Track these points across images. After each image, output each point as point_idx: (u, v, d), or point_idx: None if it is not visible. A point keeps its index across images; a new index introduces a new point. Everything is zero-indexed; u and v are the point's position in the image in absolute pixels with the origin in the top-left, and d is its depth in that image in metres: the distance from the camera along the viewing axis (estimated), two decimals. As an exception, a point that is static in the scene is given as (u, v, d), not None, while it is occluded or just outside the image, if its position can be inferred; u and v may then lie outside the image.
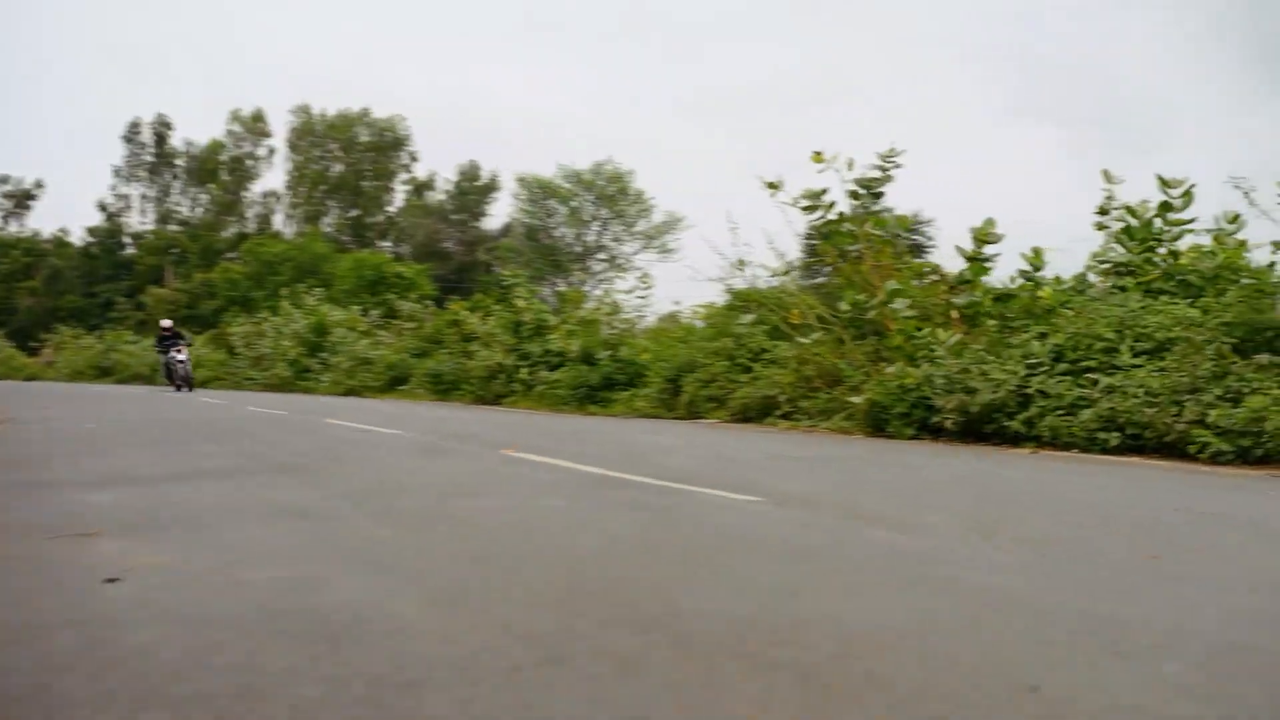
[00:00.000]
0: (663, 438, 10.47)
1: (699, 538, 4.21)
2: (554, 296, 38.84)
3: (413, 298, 32.46)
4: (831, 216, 13.28)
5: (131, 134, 73.03)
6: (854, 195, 13.19)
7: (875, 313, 12.42)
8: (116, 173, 73.05)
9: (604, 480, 6.25)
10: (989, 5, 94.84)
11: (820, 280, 16.57)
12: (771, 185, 13.26)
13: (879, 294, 12.57)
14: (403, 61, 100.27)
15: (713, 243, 16.24)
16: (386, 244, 73.33)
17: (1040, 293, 11.74)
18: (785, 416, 12.92)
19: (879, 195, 13.24)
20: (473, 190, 72.13)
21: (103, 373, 45.29)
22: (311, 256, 53.48)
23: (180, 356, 26.32)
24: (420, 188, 76.49)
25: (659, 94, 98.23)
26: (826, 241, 13.46)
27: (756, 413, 13.40)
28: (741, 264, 14.56)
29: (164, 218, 73.52)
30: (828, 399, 12.45)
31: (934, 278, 13.35)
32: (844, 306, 12.82)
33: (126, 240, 72.89)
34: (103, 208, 72.68)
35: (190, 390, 25.61)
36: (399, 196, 77.57)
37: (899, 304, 12.16)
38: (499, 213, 71.28)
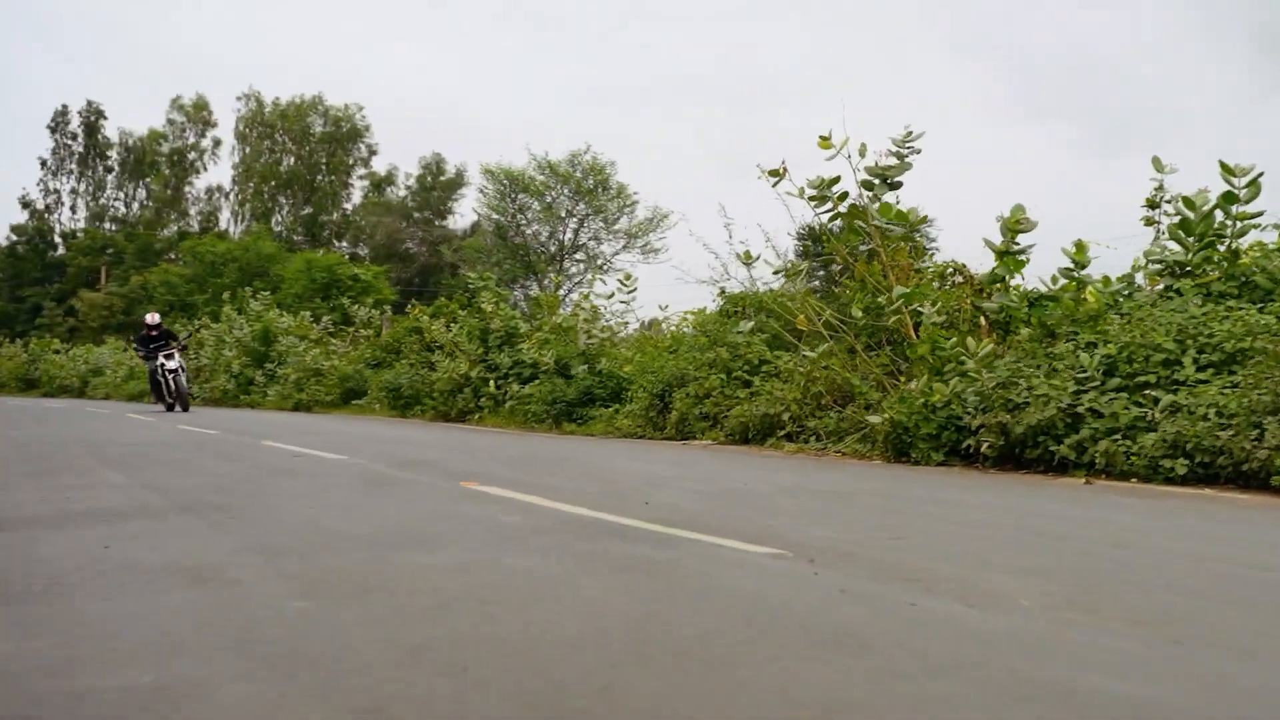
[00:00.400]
0: (653, 465, 9.72)
1: (713, 616, 3.44)
2: (526, 301, 38.06)
3: (369, 302, 31.63)
4: (842, 209, 12.55)
5: (58, 122, 71.82)
6: (867, 185, 12.47)
7: (895, 319, 11.69)
8: (43, 165, 71.87)
9: (585, 525, 5.48)
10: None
11: (825, 283, 15.89)
12: (774, 173, 12.53)
13: (895, 298, 11.85)
14: (359, 51, 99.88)
15: (704, 241, 15.51)
16: (343, 245, 72.57)
17: (1085, 295, 11.03)
18: (790, 438, 12.21)
19: (896, 185, 12.51)
20: (437, 186, 71.39)
21: (28, 385, 44.44)
22: (258, 257, 52.57)
23: (171, 364, 21.87)
24: (380, 183, 75.73)
25: (640, 88, 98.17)
26: (836, 238, 12.73)
27: (757, 433, 12.69)
28: (749, 258, 13.83)
29: (98, 215, 72.38)
30: (839, 418, 11.75)
31: (958, 279, 12.69)
32: (857, 312, 12.09)
33: (57, 240, 71.70)
34: (25, 204, 71.43)
35: (185, 410, 21.61)
36: (356, 193, 76.77)
37: (926, 309, 11.43)
38: (466, 211, 70.57)
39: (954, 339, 11.09)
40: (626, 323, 19.39)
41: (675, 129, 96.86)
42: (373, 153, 76.57)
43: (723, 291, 16.31)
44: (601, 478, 8.21)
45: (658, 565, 4.32)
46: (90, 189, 72.30)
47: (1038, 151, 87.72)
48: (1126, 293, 11.20)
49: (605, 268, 45.08)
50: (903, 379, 11.41)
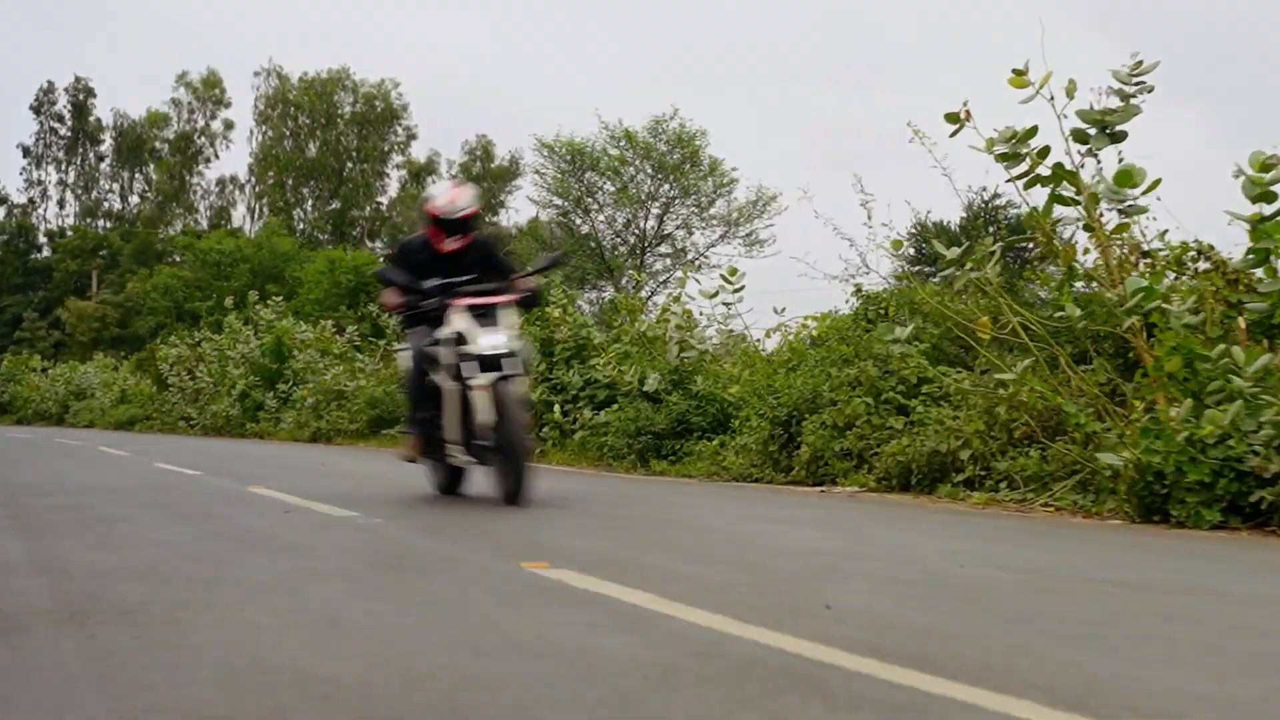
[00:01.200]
0: (797, 527, 7.86)
1: None
2: (598, 307, 36.38)
3: (404, 310, 30.35)
4: (1043, 170, 10.71)
5: (43, 102, 71.85)
6: (1079, 137, 10.61)
7: (1129, 324, 9.81)
8: (26, 153, 71.94)
9: (742, 661, 3.61)
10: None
11: (1006, 272, 14.03)
12: (951, 118, 10.74)
13: (1122, 293, 10.00)
14: (386, 26, 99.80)
15: (834, 224, 13.62)
16: (377, 245, 71.92)
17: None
18: (969, 484, 10.36)
19: (1119, 137, 10.63)
20: (487, 176, 70.51)
21: (-1, 410, 43.96)
22: (272, 256, 51.71)
23: (495, 340, 8.50)
24: (419, 172, 74.98)
25: (722, 62, 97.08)
26: (1037, 212, 10.87)
27: (923, 477, 10.85)
28: (899, 245, 12.09)
29: (89, 211, 72.33)
30: (1042, 458, 9.89)
31: (1203, 265, 10.80)
32: (1072, 311, 10.19)
33: (42, 240, 71.78)
34: (3, 199, 71.49)
35: (517, 492, 8.48)
36: (393, 184, 76.09)
37: (1173, 307, 9.55)
38: (521, 205, 69.40)
39: (1216, 349, 9.19)
40: (731, 330, 17.61)
41: (763, 110, 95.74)
42: (411, 137, 75.87)
43: (858, 290, 14.48)
44: (734, 553, 6.37)
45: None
46: (80, 180, 72.21)
47: (1177, 138, 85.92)
48: None
49: (699, 263, 42.92)
50: (1136, 403, 9.51)
